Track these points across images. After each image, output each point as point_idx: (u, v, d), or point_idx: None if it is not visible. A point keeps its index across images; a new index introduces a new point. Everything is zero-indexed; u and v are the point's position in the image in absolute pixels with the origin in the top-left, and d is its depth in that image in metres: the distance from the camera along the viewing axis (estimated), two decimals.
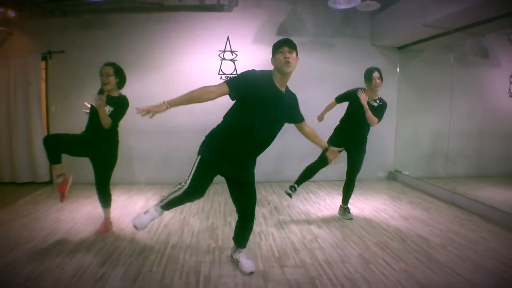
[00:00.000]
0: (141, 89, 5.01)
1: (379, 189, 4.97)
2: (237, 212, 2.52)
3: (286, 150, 5.46)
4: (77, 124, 5.00)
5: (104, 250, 2.82)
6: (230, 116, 2.32)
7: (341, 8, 4.39)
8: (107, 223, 3.31)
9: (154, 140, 5.28)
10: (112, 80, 3.05)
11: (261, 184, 5.21)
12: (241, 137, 2.24)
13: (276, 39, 2.33)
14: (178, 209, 3.99)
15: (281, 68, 2.20)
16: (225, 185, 2.47)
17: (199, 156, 2.33)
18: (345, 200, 3.77)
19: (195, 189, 2.32)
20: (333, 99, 3.75)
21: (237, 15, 5.24)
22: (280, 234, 3.22)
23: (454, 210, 3.98)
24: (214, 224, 3.50)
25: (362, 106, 3.38)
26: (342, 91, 3.71)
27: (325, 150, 2.62)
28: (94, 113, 3.01)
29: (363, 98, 3.38)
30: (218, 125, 2.36)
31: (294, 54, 2.21)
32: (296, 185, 3.79)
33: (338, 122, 3.77)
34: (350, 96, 3.57)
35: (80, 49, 5.14)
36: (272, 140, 2.40)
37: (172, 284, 2.30)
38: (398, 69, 5.66)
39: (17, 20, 5.00)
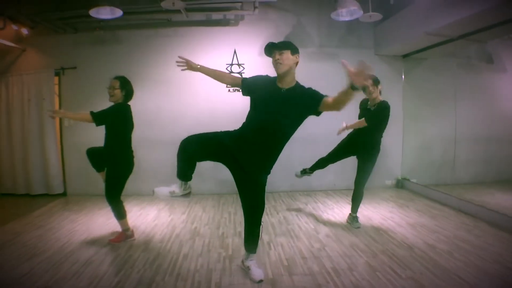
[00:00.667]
0: (150, 101, 5.16)
1: (386, 197, 5.00)
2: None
3: (294, 160, 5.51)
4: (89, 137, 5.17)
5: (118, 259, 2.92)
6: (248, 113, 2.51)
7: (344, 20, 4.51)
8: (120, 234, 3.39)
9: (164, 152, 5.38)
10: (118, 93, 3.20)
11: (271, 194, 5.28)
12: (249, 128, 2.42)
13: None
14: (189, 219, 4.10)
15: (275, 70, 2.36)
16: (235, 196, 2.56)
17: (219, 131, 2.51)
18: (354, 208, 3.81)
19: (194, 143, 2.52)
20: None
21: (243, 29, 5.38)
22: (288, 243, 3.28)
23: (461, 217, 4.00)
24: (224, 233, 3.57)
25: (367, 113, 3.58)
26: None
27: (352, 87, 2.03)
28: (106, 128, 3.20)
29: (343, 125, 3.77)
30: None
31: (285, 54, 2.30)
32: (308, 170, 4.19)
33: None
34: (360, 107, 3.82)
35: (92, 65, 5.31)
36: (278, 135, 2.41)
37: None
38: (403, 77, 5.72)
39: (30, 38, 5.22)
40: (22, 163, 5.34)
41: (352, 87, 2.01)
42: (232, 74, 2.46)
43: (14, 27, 4.94)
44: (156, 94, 5.33)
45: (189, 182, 2.61)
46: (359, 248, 3.11)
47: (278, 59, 2.30)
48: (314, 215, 4.22)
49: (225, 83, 2.74)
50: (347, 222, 3.86)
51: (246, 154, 2.41)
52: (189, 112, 5.36)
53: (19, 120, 5.30)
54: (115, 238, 3.36)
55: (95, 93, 5.26)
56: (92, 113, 3.10)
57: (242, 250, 2.74)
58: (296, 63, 2.39)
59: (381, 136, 3.71)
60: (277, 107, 2.34)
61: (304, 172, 4.29)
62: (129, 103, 3.33)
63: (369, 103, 3.63)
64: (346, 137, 3.91)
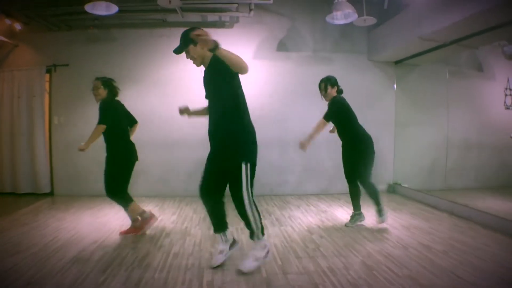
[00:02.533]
0: (142, 102, 5.09)
1: None
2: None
3: (286, 164, 5.50)
4: (78, 135, 5.09)
5: (106, 257, 2.81)
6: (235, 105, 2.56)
7: (338, 23, 4.53)
8: (135, 227, 3.44)
9: (155, 153, 5.31)
10: (102, 92, 3.34)
11: (262, 197, 5.22)
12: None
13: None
14: (179, 219, 4.03)
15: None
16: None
17: (249, 163, 2.48)
18: (378, 204, 3.70)
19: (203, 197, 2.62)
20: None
21: (238, 31, 5.38)
22: (282, 243, 3.22)
23: (454, 220, 4.00)
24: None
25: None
26: None
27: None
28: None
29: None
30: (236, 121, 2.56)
31: (191, 50, 2.42)
32: (356, 212, 3.82)
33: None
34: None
35: (84, 63, 5.24)
36: (217, 107, 2.51)
37: None
38: (395, 84, 5.77)
39: (23, 33, 5.14)
40: (10, 161, 5.21)
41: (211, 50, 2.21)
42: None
43: (7, 21, 4.86)
44: (149, 94, 5.28)
45: (227, 231, 2.73)
46: (354, 248, 3.07)
47: (189, 58, 2.46)
48: (307, 217, 4.17)
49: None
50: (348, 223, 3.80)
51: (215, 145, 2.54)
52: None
53: (8, 117, 5.20)
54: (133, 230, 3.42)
55: (86, 91, 5.08)
56: (99, 123, 3.26)
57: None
58: (202, 47, 2.36)
59: (355, 128, 3.67)
60: (206, 83, 2.54)
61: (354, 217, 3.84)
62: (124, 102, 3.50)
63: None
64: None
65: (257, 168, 2.61)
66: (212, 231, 2.81)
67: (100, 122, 3.23)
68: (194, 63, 2.48)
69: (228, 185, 2.54)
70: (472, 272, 2.51)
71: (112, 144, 3.34)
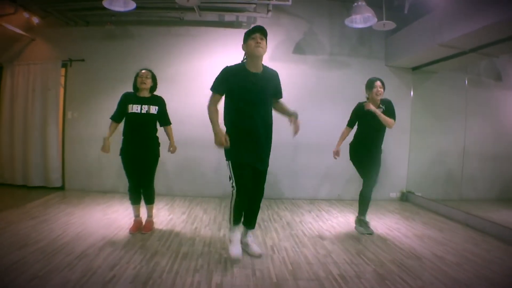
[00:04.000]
0: None
1: (391, 209, 4.88)
2: None
3: (301, 167, 5.42)
4: (91, 130, 5.12)
5: (114, 254, 2.78)
6: (226, 112, 2.70)
7: (357, 27, 4.46)
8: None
9: (167, 152, 5.27)
10: (149, 82, 3.36)
11: (273, 200, 5.16)
12: (243, 122, 2.62)
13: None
14: (189, 219, 3.98)
15: (253, 52, 2.54)
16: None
17: (229, 161, 2.68)
18: (361, 210, 3.71)
19: (241, 186, 2.67)
20: (345, 124, 3.81)
21: None
22: (292, 248, 3.15)
23: (468, 231, 3.89)
24: (226, 235, 3.44)
25: (370, 115, 3.46)
26: None
27: (290, 118, 2.79)
28: (147, 120, 3.33)
29: (372, 107, 3.44)
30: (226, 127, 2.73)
31: (264, 42, 2.56)
32: (361, 217, 3.74)
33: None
34: (357, 113, 3.67)
35: (100, 59, 5.25)
36: (270, 115, 2.73)
37: None
38: (412, 90, 5.66)
39: (40, 27, 5.18)
40: (22, 154, 5.24)
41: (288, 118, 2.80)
42: (210, 106, 2.72)
43: (26, 15, 4.90)
44: (164, 93, 5.20)
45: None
46: (366, 256, 2.99)
47: (259, 43, 2.52)
48: (318, 222, 4.09)
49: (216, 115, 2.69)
50: (355, 227, 3.77)
51: (259, 159, 2.72)
52: (197, 112, 5.25)
53: (22, 110, 5.23)
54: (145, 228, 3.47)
55: (101, 86, 5.22)
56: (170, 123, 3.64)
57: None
58: None
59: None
60: (258, 89, 2.62)
61: (361, 222, 3.75)
62: None
63: (370, 105, 3.49)
64: (352, 151, 3.69)
65: (269, 170, 2.92)
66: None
67: (166, 115, 3.54)
68: (255, 50, 2.55)
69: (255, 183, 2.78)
70: (486, 286, 2.44)
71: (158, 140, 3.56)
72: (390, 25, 4.46)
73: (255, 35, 2.52)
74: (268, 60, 5.24)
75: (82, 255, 2.73)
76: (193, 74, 5.27)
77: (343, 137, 3.77)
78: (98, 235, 3.25)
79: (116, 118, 3.34)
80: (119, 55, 5.23)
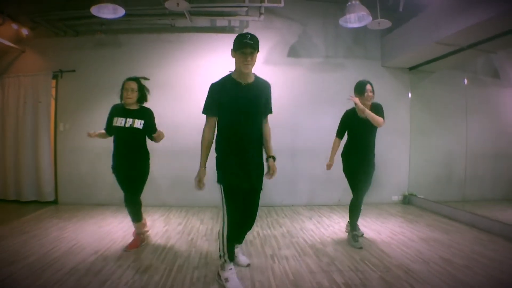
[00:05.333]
0: (150, 107, 4.95)
1: (394, 213, 4.75)
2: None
3: (298, 174, 5.30)
4: (84, 142, 4.98)
5: (106, 269, 2.65)
6: (218, 129, 2.47)
7: (352, 27, 4.38)
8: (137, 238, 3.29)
9: (161, 162, 5.15)
10: (135, 96, 3.12)
11: (273, 208, 5.02)
12: (233, 137, 2.37)
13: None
14: (185, 230, 3.85)
15: (239, 68, 2.32)
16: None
17: (222, 185, 2.41)
18: (352, 223, 3.45)
19: (233, 213, 2.39)
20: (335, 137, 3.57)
21: None
22: (294, 256, 3.02)
23: (474, 232, 3.77)
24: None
25: (358, 121, 3.30)
26: None
27: (267, 159, 2.57)
28: (129, 134, 3.08)
29: (356, 100, 3.24)
30: (216, 146, 2.49)
31: (255, 55, 2.30)
32: (353, 231, 3.45)
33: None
34: (345, 120, 3.48)
35: (91, 68, 5.15)
36: (260, 130, 2.48)
37: None
38: (409, 91, 5.57)
39: (30, 39, 5.09)
40: (14, 168, 5.10)
41: (266, 158, 2.55)
42: (204, 132, 2.48)
43: (14, 26, 4.81)
44: (156, 101, 5.05)
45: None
46: (371, 262, 2.85)
47: (250, 60, 2.27)
48: (319, 229, 3.96)
49: (212, 132, 2.48)
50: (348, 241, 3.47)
51: (248, 178, 2.40)
52: (191, 120, 5.13)
53: (13, 122, 5.10)
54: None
55: (93, 96, 5.11)
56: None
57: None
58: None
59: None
60: (248, 101, 2.37)
61: (355, 236, 3.45)
62: None
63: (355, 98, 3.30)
64: (345, 162, 3.47)
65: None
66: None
67: (154, 127, 3.23)
68: (243, 67, 2.29)
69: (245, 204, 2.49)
70: (496, 287, 2.33)
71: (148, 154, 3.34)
72: (385, 23, 4.37)
73: (246, 50, 2.24)
74: (262, 63, 5.16)
75: (73, 271, 2.60)
76: (185, 81, 5.18)
77: (335, 148, 3.52)
78: (90, 249, 3.11)
79: (107, 131, 3.20)
80: (110, 64, 5.13)
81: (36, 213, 4.46)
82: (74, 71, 5.13)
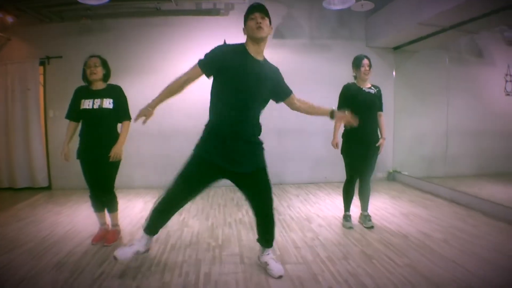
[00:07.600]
0: (138, 93, 4.96)
1: (378, 189, 4.94)
2: (253, 212, 2.40)
3: (287, 152, 5.44)
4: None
5: (102, 251, 2.78)
6: (212, 103, 2.20)
7: (335, 9, 4.43)
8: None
9: (151, 143, 5.26)
10: (100, 71, 2.86)
11: None
12: (226, 118, 2.12)
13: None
14: None
15: (253, 34, 2.08)
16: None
17: (192, 153, 2.25)
18: (365, 206, 3.42)
19: (181, 189, 2.24)
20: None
21: (233, 19, 5.25)
22: (280, 232, 3.18)
23: (454, 207, 3.97)
24: (214, 224, 3.46)
25: (360, 93, 3.17)
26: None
27: (331, 116, 2.36)
28: (100, 116, 2.84)
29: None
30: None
31: (267, 21, 2.10)
32: (346, 213, 3.43)
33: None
34: (346, 95, 3.23)
35: (78, 54, 5.05)
36: (257, 118, 2.27)
37: (172, 282, 2.26)
38: (394, 70, 5.68)
39: (15, 26, 5.04)
40: (6, 155, 5.15)
41: (331, 117, 2.35)
42: (182, 74, 2.21)
43: None
44: (144, 85, 5.16)
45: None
46: (354, 237, 3.04)
47: (260, 23, 2.06)
48: (306, 206, 4.13)
49: (188, 85, 2.21)
50: (359, 222, 3.43)
51: (231, 160, 2.16)
52: (179, 104, 5.19)
53: (3, 111, 5.11)
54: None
55: (81, 82, 5.01)
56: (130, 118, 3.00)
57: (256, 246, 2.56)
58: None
59: None
60: (258, 81, 2.12)
61: (348, 218, 3.42)
62: None
63: (360, 86, 3.22)
64: (346, 142, 3.29)
65: None
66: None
67: (127, 108, 2.96)
68: (255, 31, 2.08)
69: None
70: (473, 261, 2.49)
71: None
72: (369, 5, 4.44)
73: (254, 15, 2.07)
74: None
75: (70, 253, 2.72)
76: (172, 64, 5.20)
77: (337, 126, 3.25)
78: (86, 232, 3.23)
79: (71, 117, 2.93)
80: (97, 49, 5.02)
81: (30, 200, 4.55)
82: (61, 57, 5.12)
